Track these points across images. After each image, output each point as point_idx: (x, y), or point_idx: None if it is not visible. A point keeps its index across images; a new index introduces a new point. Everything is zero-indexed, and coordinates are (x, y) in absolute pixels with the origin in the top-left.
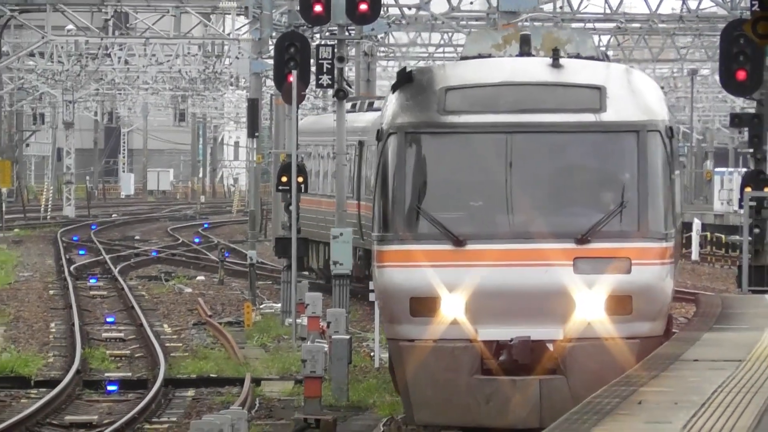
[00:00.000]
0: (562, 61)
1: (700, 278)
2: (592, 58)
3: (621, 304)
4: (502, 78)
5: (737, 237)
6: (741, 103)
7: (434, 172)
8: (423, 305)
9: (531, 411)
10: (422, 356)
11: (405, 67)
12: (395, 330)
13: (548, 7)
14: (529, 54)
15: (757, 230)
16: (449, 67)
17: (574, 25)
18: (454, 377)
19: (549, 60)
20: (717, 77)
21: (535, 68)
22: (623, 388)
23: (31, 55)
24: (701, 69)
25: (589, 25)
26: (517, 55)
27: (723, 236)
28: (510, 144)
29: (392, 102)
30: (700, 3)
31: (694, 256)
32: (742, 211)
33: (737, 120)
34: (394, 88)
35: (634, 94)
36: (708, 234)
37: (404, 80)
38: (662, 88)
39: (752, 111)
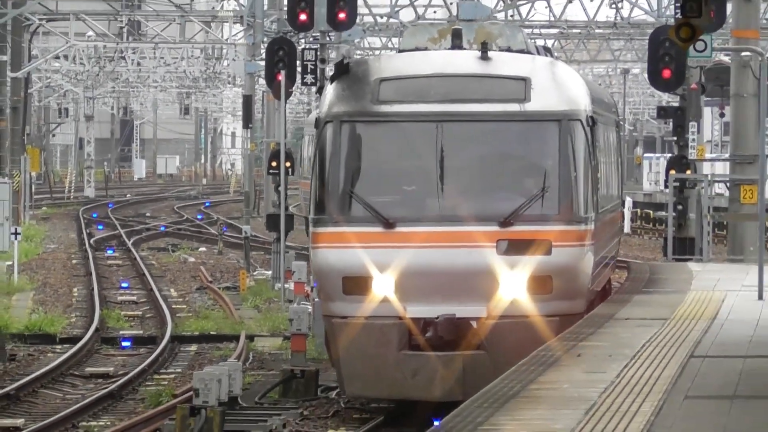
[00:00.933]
0: (490, 53)
1: (631, 248)
2: (522, 51)
3: (542, 284)
4: (433, 70)
5: (663, 213)
6: (666, 98)
7: (367, 159)
8: (355, 284)
9: (455, 385)
10: (354, 332)
11: (343, 59)
12: (329, 307)
13: (501, 16)
14: (460, 47)
15: (680, 207)
16: (384, 59)
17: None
18: (383, 352)
19: (478, 53)
20: (646, 75)
21: (465, 60)
22: (565, 343)
23: (57, 57)
24: (632, 68)
25: (536, 31)
26: (449, 49)
27: (651, 212)
28: (439, 132)
29: (329, 92)
30: (631, 11)
31: (627, 229)
32: (667, 191)
33: (663, 112)
34: (332, 79)
35: (558, 86)
36: (638, 210)
37: (341, 71)
38: (600, 84)
39: (676, 104)
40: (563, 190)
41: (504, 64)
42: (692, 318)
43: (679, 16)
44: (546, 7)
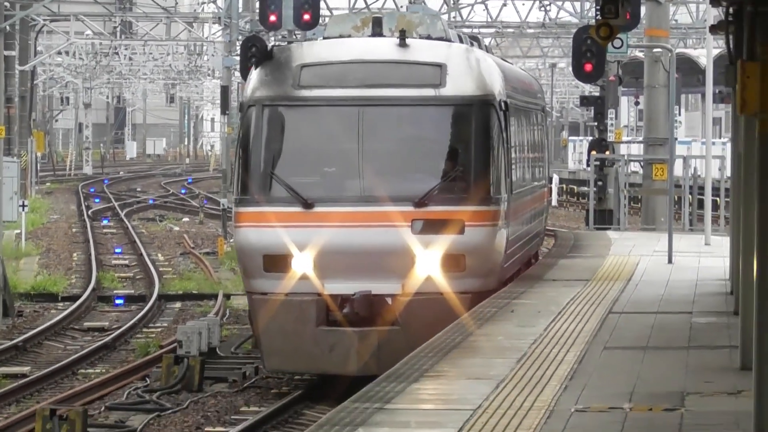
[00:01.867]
0: (408, 41)
1: (558, 219)
2: (441, 39)
3: (455, 262)
4: (352, 56)
5: (585, 188)
6: (588, 89)
7: (288, 141)
8: (275, 262)
9: (370, 360)
10: (273, 308)
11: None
12: (251, 284)
13: (445, 17)
14: (380, 35)
15: (600, 183)
16: (306, 46)
17: (465, 30)
18: (301, 328)
19: (397, 40)
20: (570, 69)
21: (384, 47)
22: (499, 301)
23: (59, 53)
24: (559, 63)
25: (475, 30)
26: (370, 36)
27: (575, 187)
28: (356, 116)
29: (253, 77)
30: (558, 13)
31: (554, 202)
32: (589, 169)
33: (586, 101)
34: (255, 65)
35: (472, 71)
36: (564, 186)
37: (264, 57)
38: (535, 78)
39: (597, 94)
40: (476, 171)
41: (421, 50)
42: (611, 279)
43: (599, 17)
44: (484, 10)
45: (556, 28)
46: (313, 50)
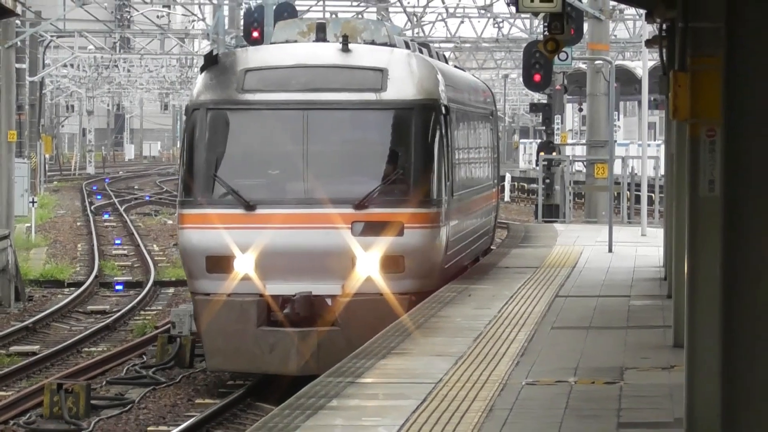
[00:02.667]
0: (351, 46)
1: (510, 213)
2: (385, 44)
3: (394, 263)
4: (295, 61)
5: (535, 185)
6: (537, 97)
7: (231, 144)
8: (217, 263)
9: (309, 360)
10: (215, 309)
11: (212, 51)
12: (194, 285)
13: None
14: (324, 40)
15: (547, 181)
16: (251, 50)
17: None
18: (243, 328)
19: (340, 45)
20: (521, 79)
21: (327, 52)
22: (458, 286)
23: (65, 65)
24: (511, 74)
25: (436, 45)
26: (314, 41)
27: (525, 185)
28: (298, 120)
29: (199, 82)
30: (510, 29)
31: (507, 198)
32: (538, 168)
33: (535, 107)
34: (201, 70)
35: (413, 76)
36: (516, 183)
37: (211, 62)
38: (486, 84)
39: (544, 102)
40: (416, 174)
41: (363, 55)
42: (557, 266)
43: (546, 33)
44: (444, 27)
45: (508, 42)
46: (258, 55)
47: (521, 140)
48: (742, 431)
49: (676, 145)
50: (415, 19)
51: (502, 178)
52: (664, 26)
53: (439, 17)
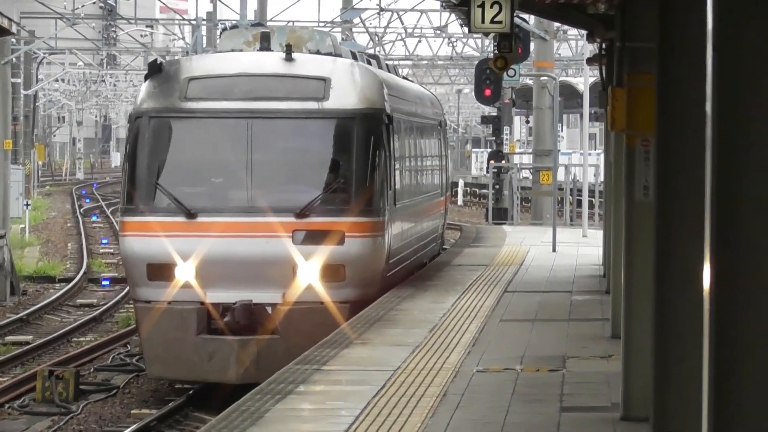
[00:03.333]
0: (295, 55)
1: (463, 215)
2: (330, 54)
3: (335, 272)
4: (238, 70)
5: (485, 190)
6: (488, 110)
7: (173, 152)
8: (158, 271)
9: (249, 368)
10: (156, 316)
11: (156, 59)
12: (135, 292)
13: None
14: (269, 49)
15: (497, 186)
16: (195, 59)
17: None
18: (183, 336)
19: (283, 54)
20: (474, 94)
21: (270, 62)
22: (416, 282)
23: (56, 80)
24: (464, 89)
25: (395, 62)
26: (258, 50)
27: (477, 190)
28: (240, 128)
29: (142, 90)
30: (463, 48)
31: (460, 202)
32: (488, 175)
33: (485, 119)
34: (145, 78)
35: (356, 85)
36: (468, 188)
37: (154, 70)
38: (439, 101)
39: (495, 114)
40: (357, 183)
41: (306, 65)
42: (506, 264)
43: (496, 51)
44: (403, 46)
45: (462, 60)
46: (202, 64)
47: (473, 149)
48: (671, 413)
49: (614, 154)
50: (376, 39)
51: (456, 184)
52: (604, 46)
53: (399, 37)
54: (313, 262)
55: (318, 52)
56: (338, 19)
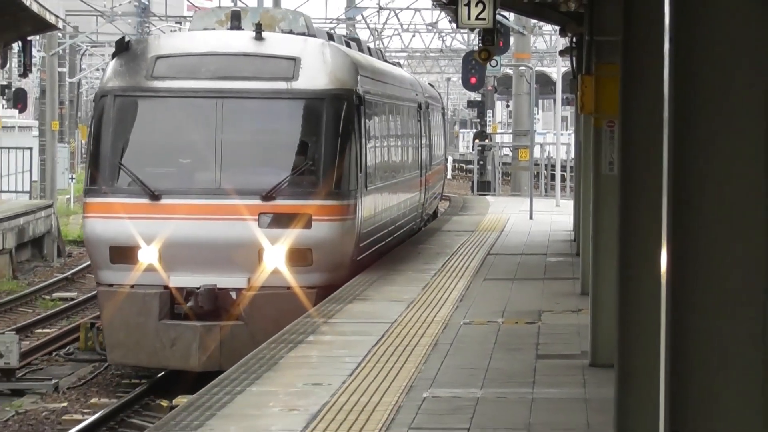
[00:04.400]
0: (265, 34)
1: (452, 188)
2: (303, 34)
3: (302, 256)
4: (207, 49)
5: (471, 166)
6: (473, 95)
7: (138, 132)
8: (121, 253)
9: (211, 355)
10: (117, 301)
11: (123, 37)
12: (98, 275)
13: (371, 45)
14: (239, 28)
15: (481, 162)
16: (163, 37)
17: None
18: (144, 321)
19: (253, 33)
20: (461, 82)
21: (239, 41)
22: (410, 247)
23: (97, 69)
24: (452, 77)
25: (391, 53)
26: (228, 29)
27: (464, 165)
28: (207, 108)
29: (109, 68)
30: (451, 42)
31: (449, 176)
32: (474, 152)
33: (471, 104)
34: (112, 56)
35: (326, 65)
36: (456, 164)
37: (122, 48)
38: (414, 77)
39: (479, 99)
40: (325, 165)
41: (276, 44)
42: (489, 230)
43: (480, 44)
44: (399, 40)
45: (450, 52)
46: (170, 42)
47: (461, 130)
48: (633, 360)
49: (584, 134)
50: (376, 33)
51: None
52: (574, 39)
53: (395, 32)
54: (280, 246)
55: (291, 32)
56: (343, 16)
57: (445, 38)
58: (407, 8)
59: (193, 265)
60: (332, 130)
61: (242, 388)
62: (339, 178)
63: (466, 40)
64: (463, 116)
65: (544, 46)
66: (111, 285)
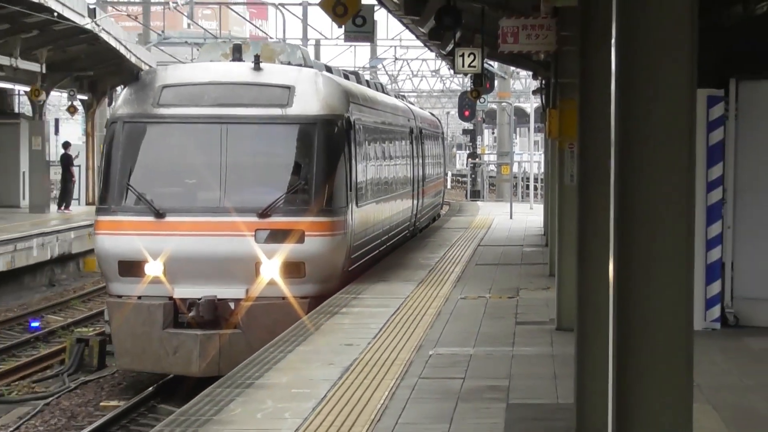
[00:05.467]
0: (263, 65)
1: (451, 195)
2: (300, 65)
3: (295, 269)
4: (209, 78)
5: (465, 178)
6: (467, 125)
7: (145, 155)
8: (129, 267)
9: (211, 362)
10: (125, 311)
11: (136, 70)
12: (108, 287)
13: (389, 87)
14: (241, 60)
15: (472, 176)
16: (170, 68)
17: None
18: (149, 330)
19: (252, 64)
20: (457, 114)
21: (239, 71)
22: (417, 241)
23: None
24: (451, 111)
25: (404, 94)
26: (230, 61)
27: (460, 178)
28: (208, 133)
29: (120, 97)
30: (450, 84)
31: (448, 186)
32: (467, 168)
33: (465, 132)
34: (124, 86)
35: (318, 93)
36: (454, 177)
37: (133, 79)
38: (413, 111)
39: (471, 128)
40: (317, 185)
41: (273, 74)
42: (479, 227)
43: (472, 86)
44: (410, 82)
45: (449, 92)
46: (176, 73)
47: (457, 151)
48: (587, 322)
49: (551, 154)
50: (393, 78)
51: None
52: (544, 81)
53: (408, 77)
54: (275, 259)
55: (289, 64)
56: (367, 65)
57: (445, 81)
58: (416, 58)
59: (195, 277)
60: (323, 153)
61: (292, 347)
62: (330, 196)
63: (461, 83)
64: (459, 141)
65: (521, 87)
66: (120, 296)
